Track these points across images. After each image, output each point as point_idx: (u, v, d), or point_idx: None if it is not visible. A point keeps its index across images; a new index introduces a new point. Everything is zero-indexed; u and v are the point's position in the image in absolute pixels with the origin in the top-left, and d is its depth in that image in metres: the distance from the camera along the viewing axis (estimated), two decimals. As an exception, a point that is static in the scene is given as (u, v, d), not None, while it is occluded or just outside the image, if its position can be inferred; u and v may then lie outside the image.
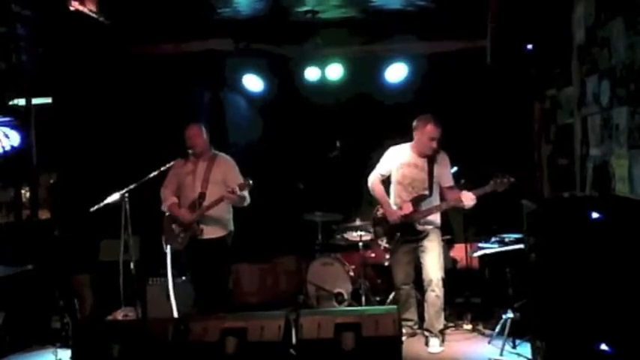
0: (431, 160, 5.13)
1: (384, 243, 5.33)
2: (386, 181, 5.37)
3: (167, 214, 5.28)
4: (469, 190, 5.02)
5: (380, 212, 5.37)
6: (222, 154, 5.37)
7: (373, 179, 5.34)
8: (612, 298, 3.42)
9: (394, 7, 6.21)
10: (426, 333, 5.24)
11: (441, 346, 5.15)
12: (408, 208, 5.13)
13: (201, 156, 5.25)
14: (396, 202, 5.26)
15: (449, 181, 5.20)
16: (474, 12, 5.86)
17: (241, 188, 4.95)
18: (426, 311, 5.23)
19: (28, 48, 6.05)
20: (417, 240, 5.19)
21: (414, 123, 5.15)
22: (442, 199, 5.20)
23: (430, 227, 5.18)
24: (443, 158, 5.18)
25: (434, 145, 5.06)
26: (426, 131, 5.05)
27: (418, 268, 5.28)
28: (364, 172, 5.46)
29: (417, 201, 5.13)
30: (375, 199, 5.41)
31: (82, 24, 5.67)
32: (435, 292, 5.11)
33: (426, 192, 5.12)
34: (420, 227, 5.15)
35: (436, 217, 5.23)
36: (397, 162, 5.25)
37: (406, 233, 5.18)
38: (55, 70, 6.35)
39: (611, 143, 4.40)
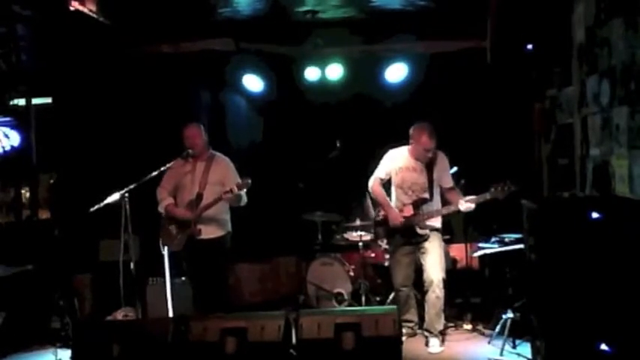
0: (429, 162, 5.15)
1: (384, 244, 5.36)
2: (386, 184, 5.38)
3: (164, 215, 5.26)
4: (469, 189, 5.04)
5: (381, 214, 5.38)
6: (219, 154, 5.35)
7: (373, 183, 5.36)
8: (612, 298, 3.43)
9: (394, 7, 6.21)
10: (426, 333, 5.25)
11: (441, 346, 5.16)
12: (409, 212, 5.15)
13: (200, 156, 5.24)
14: (396, 206, 5.28)
15: (449, 183, 5.21)
16: (474, 12, 5.87)
17: (239, 187, 4.94)
18: (426, 312, 5.23)
19: (28, 48, 6.06)
20: (418, 242, 5.19)
21: (410, 131, 5.16)
22: (443, 202, 5.22)
23: (432, 230, 5.19)
24: (442, 160, 5.19)
25: (429, 155, 5.09)
26: (422, 142, 5.07)
27: (418, 270, 5.30)
28: (364, 172, 5.47)
29: (417, 204, 5.14)
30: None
31: (82, 24, 5.67)
32: (436, 293, 5.11)
33: (426, 195, 5.14)
34: (421, 231, 5.15)
35: (437, 220, 5.23)
36: (396, 166, 5.26)
37: (407, 236, 5.19)
38: (55, 70, 6.35)
39: (611, 143, 4.40)
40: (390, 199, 5.34)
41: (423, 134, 5.06)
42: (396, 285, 5.36)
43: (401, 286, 5.32)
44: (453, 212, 5.23)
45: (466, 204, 4.98)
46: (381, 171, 5.33)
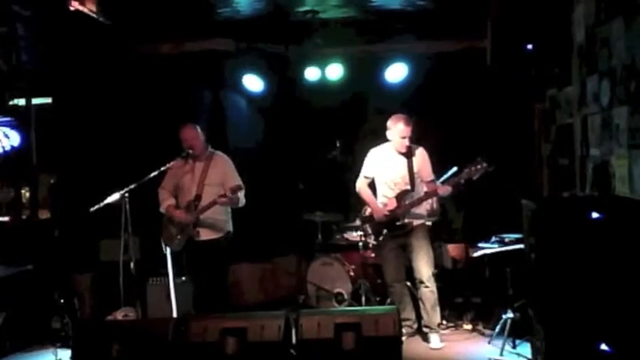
0: (409, 156, 5.21)
1: (372, 241, 5.39)
2: (373, 184, 5.42)
3: (165, 215, 5.27)
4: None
5: (367, 211, 5.46)
6: (219, 153, 5.33)
7: (359, 184, 5.44)
8: (612, 298, 3.43)
9: (394, 7, 6.21)
10: (425, 329, 5.28)
11: (441, 341, 5.19)
12: (393, 204, 5.21)
13: (199, 156, 5.23)
14: (381, 201, 5.33)
15: (429, 176, 5.25)
16: (474, 12, 5.87)
17: (232, 191, 4.94)
18: (422, 308, 5.26)
19: (28, 48, 6.05)
20: (404, 235, 5.22)
21: (387, 123, 5.24)
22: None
23: (416, 222, 5.23)
24: (421, 153, 5.25)
25: (406, 142, 5.16)
26: (397, 130, 5.15)
27: (409, 268, 5.32)
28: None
29: (400, 196, 5.20)
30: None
31: (82, 24, 5.67)
32: (429, 287, 5.17)
33: (408, 187, 5.20)
34: (405, 221, 5.20)
35: (422, 211, 5.28)
36: (378, 162, 5.34)
37: (392, 228, 5.23)
38: (55, 70, 6.35)
39: (611, 143, 4.40)
40: (376, 196, 5.38)
41: (399, 121, 5.15)
42: (387, 281, 5.41)
43: (392, 282, 5.35)
44: (430, 197, 5.27)
45: (443, 187, 5.03)
46: (366, 170, 5.41)
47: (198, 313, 5.15)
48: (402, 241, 5.27)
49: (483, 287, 5.90)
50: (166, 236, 5.26)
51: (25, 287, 5.68)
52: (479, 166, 4.87)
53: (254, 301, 6.70)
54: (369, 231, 5.42)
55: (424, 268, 5.16)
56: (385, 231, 5.26)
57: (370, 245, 5.48)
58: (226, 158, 5.33)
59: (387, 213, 5.22)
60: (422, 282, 5.16)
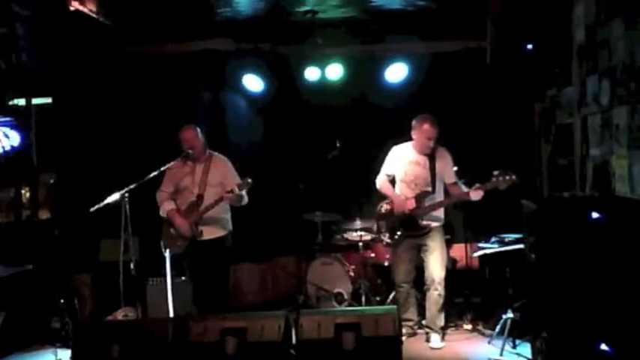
0: (432, 157, 5.18)
1: (386, 238, 5.37)
2: (392, 182, 5.39)
3: (165, 218, 5.26)
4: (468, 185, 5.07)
5: (384, 208, 5.40)
6: (218, 154, 5.34)
7: (381, 181, 5.40)
8: (612, 298, 3.43)
9: (394, 7, 6.21)
10: (427, 329, 5.28)
11: (442, 341, 5.19)
12: (412, 204, 5.17)
13: (199, 157, 5.23)
14: None
15: (452, 178, 5.23)
16: (474, 12, 5.87)
17: (240, 188, 4.94)
18: (427, 309, 5.26)
19: (28, 48, 6.05)
20: (420, 236, 5.21)
21: (413, 122, 5.21)
22: (447, 195, 5.23)
23: (434, 224, 5.21)
24: (444, 155, 5.23)
25: (431, 144, 5.13)
26: (423, 130, 5.12)
27: (420, 269, 5.31)
28: (364, 172, 5.47)
29: (420, 197, 5.17)
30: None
31: (82, 24, 5.67)
32: (438, 290, 5.16)
33: (429, 188, 5.17)
34: (423, 223, 5.17)
35: (440, 214, 5.26)
36: (400, 160, 5.30)
37: (409, 229, 5.20)
38: (55, 70, 6.35)
39: (611, 143, 4.41)
40: None
41: (425, 122, 5.11)
42: (397, 281, 5.39)
43: (402, 282, 5.34)
44: (455, 202, 5.29)
45: (475, 191, 4.98)
46: (387, 167, 5.38)
47: (198, 313, 5.15)
48: (417, 242, 5.24)
49: (483, 287, 5.90)
50: (167, 239, 5.25)
51: (25, 287, 5.68)
52: (507, 177, 4.85)
53: (254, 301, 6.70)
54: (384, 227, 5.40)
55: (437, 269, 5.15)
56: (401, 230, 5.24)
57: (384, 243, 5.46)
58: (225, 159, 5.33)
59: (410, 208, 5.17)
60: (432, 284, 5.14)
